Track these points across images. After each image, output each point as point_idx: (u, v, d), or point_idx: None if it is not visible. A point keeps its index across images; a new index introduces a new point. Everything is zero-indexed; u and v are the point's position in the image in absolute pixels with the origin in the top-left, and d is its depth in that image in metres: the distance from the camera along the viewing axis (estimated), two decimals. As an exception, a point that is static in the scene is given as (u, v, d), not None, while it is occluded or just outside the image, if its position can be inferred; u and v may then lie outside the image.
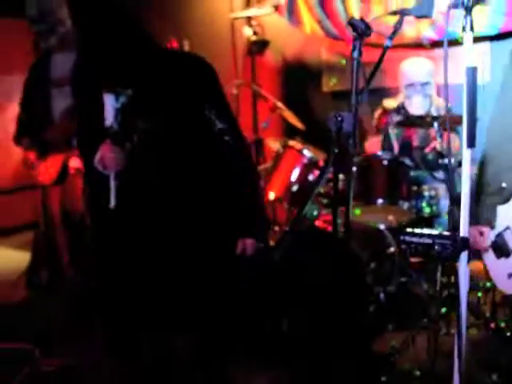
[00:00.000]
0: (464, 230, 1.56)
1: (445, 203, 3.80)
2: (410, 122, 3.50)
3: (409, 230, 1.55)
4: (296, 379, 2.97)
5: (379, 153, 3.44)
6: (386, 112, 4.07)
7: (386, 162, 3.37)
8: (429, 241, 1.56)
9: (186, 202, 2.29)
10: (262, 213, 2.43)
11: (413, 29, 4.60)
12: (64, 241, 3.91)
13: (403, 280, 3.54)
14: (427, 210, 3.57)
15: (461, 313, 1.60)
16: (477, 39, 4.53)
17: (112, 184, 2.19)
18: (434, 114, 3.67)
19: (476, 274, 3.95)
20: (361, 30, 1.60)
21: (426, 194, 3.64)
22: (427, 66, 3.97)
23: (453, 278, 3.88)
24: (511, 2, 4.25)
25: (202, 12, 5.77)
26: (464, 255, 1.57)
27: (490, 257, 2.43)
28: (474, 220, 2.35)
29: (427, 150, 3.62)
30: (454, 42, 4.56)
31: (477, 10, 4.35)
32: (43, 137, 3.50)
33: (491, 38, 4.52)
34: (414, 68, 3.94)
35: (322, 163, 3.63)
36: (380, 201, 3.34)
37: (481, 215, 2.36)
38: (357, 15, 4.86)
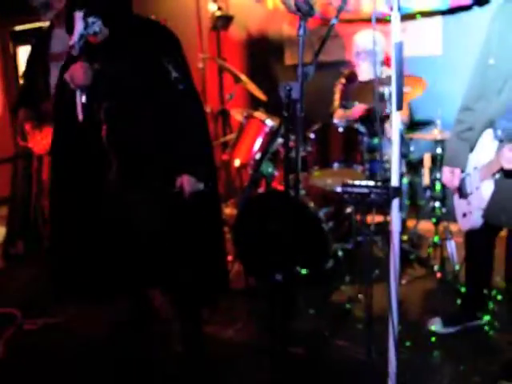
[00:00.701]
0: (394, 180, 1.84)
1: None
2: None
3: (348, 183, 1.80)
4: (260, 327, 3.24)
5: (335, 120, 3.69)
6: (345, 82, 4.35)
7: (341, 129, 3.62)
8: (365, 190, 1.82)
9: (135, 136, 2.58)
10: (204, 155, 2.64)
11: (370, 5, 4.85)
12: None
13: (360, 239, 3.83)
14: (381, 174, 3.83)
15: (393, 259, 1.88)
16: (430, 14, 4.82)
17: (78, 99, 2.44)
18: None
19: (426, 232, 4.33)
20: (305, 10, 1.84)
21: (379, 158, 3.90)
22: (372, 36, 4.18)
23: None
24: (460, -21, 4.52)
25: (169, -12, 5.91)
26: (395, 202, 1.85)
27: (456, 196, 2.78)
28: (450, 163, 2.73)
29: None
30: (408, 17, 4.88)
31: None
32: (40, 108, 3.64)
33: (443, 13, 4.79)
34: (360, 38, 4.19)
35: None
36: (336, 164, 3.59)
37: (454, 159, 2.71)
38: (318, -9, 5.08)
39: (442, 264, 3.80)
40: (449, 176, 2.73)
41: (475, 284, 2.93)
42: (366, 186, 1.85)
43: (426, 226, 4.30)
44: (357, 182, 1.84)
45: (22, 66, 6.85)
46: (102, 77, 2.49)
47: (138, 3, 5.76)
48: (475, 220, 2.61)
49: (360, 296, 3.46)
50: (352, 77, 4.33)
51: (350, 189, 1.87)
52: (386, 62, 4.32)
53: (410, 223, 4.42)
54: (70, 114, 2.49)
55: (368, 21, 4.89)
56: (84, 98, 2.43)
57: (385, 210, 1.89)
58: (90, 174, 2.69)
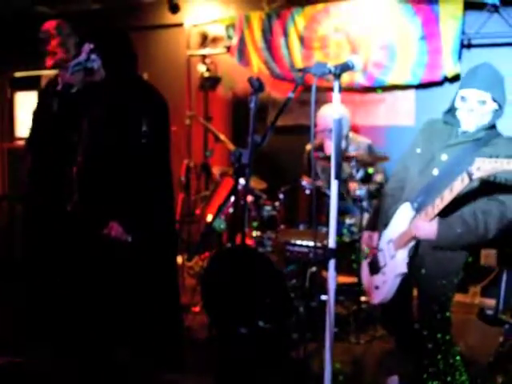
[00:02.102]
0: (331, 242, 2.01)
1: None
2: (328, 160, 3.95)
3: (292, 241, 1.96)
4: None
5: (303, 182, 3.89)
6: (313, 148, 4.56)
7: (308, 192, 3.82)
8: (305, 250, 1.99)
9: (99, 175, 2.83)
10: (138, 210, 2.79)
11: (347, 75, 5.14)
12: None
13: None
14: (346, 237, 4.00)
15: (329, 313, 2.03)
16: (403, 87, 5.12)
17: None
18: (352, 152, 4.13)
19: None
20: (256, 86, 2.06)
21: (347, 221, 4.08)
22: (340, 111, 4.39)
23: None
24: (432, 56, 4.83)
25: (162, 48, 6.24)
26: (332, 262, 2.02)
27: (365, 274, 2.96)
28: (370, 227, 2.96)
29: (350, 185, 4.08)
30: (386, 88, 5.18)
31: (401, 62, 4.96)
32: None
33: (416, 87, 5.08)
34: (322, 116, 4.30)
35: (256, 190, 4.09)
36: (301, 226, 3.77)
37: (375, 225, 2.94)
38: (300, 59, 5.40)
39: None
40: (367, 239, 2.96)
41: (409, 348, 3.05)
42: (307, 246, 2.02)
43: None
44: (299, 242, 2.01)
45: (19, 111, 7.09)
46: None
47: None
48: (389, 288, 2.74)
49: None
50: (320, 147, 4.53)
51: (291, 247, 2.04)
52: (354, 129, 4.57)
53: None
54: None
55: (344, 90, 5.19)
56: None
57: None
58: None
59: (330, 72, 2.06)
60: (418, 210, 2.62)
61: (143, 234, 2.77)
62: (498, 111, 2.61)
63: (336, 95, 2.05)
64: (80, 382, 3.14)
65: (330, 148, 4.33)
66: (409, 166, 2.86)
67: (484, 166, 2.18)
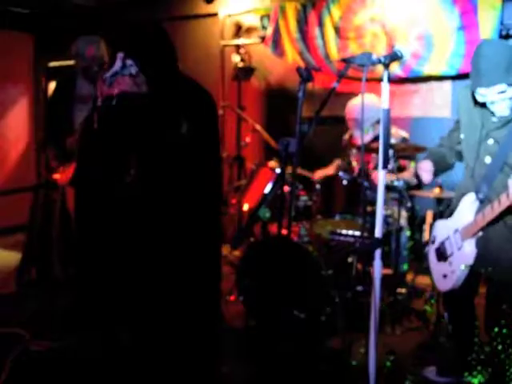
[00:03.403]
0: (378, 232, 2.02)
1: (402, 222, 4.25)
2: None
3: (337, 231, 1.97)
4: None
5: (340, 173, 3.89)
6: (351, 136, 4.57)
7: (345, 182, 3.82)
8: (351, 239, 2.00)
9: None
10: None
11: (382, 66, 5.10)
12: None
13: (359, 288, 3.97)
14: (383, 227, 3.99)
15: (374, 304, 2.04)
16: (440, 78, 5.06)
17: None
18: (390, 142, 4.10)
19: (426, 286, 4.45)
20: (305, 76, 2.07)
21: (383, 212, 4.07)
22: (361, 104, 4.35)
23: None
24: (469, 46, 4.77)
25: (196, 38, 6.27)
26: (378, 251, 2.02)
27: (433, 260, 2.94)
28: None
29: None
30: (421, 79, 5.14)
31: (437, 52, 4.92)
32: (66, 145, 3.93)
33: (452, 78, 5.03)
34: (350, 106, 4.36)
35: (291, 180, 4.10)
36: (338, 216, 3.76)
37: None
38: (335, 50, 5.37)
39: (437, 318, 3.90)
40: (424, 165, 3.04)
41: (463, 342, 3.03)
42: (353, 236, 2.03)
43: (425, 280, 4.43)
44: (344, 232, 2.02)
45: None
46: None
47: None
48: (458, 278, 2.75)
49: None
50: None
51: (337, 237, 2.05)
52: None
53: (410, 276, 4.54)
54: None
55: (379, 80, 5.14)
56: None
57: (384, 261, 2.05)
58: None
59: (379, 62, 2.06)
60: (482, 201, 2.64)
61: (190, 225, 2.79)
62: None
63: (386, 85, 2.04)
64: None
65: (359, 138, 4.37)
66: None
67: None
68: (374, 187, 3.86)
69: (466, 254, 2.68)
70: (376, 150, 3.84)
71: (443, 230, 2.93)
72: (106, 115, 2.68)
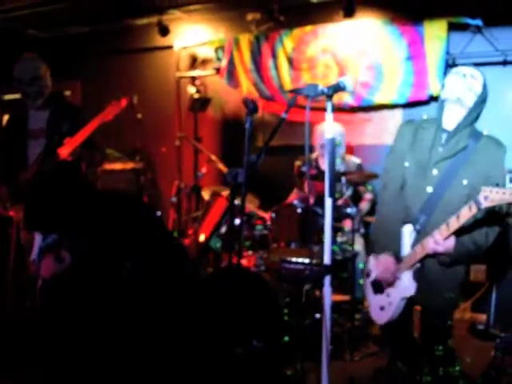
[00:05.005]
0: (326, 258, 2.05)
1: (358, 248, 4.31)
2: (321, 176, 4.00)
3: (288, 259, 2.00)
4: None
5: (294, 202, 3.94)
6: (301, 165, 4.63)
7: (299, 210, 3.86)
8: (301, 267, 2.03)
9: None
10: None
11: (336, 96, 5.21)
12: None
13: (316, 316, 3.98)
14: (338, 255, 4.02)
15: (325, 329, 2.06)
16: (391, 106, 5.21)
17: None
18: (342, 170, 4.18)
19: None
20: (251, 107, 2.12)
21: (339, 239, 4.11)
22: (336, 129, 4.42)
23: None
24: (418, 75, 4.93)
25: (152, 70, 6.31)
26: (327, 278, 2.05)
27: (369, 293, 2.96)
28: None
29: (339, 202, 4.13)
30: (371, 108, 5.27)
31: (387, 82, 5.04)
32: (19, 181, 3.84)
33: (403, 106, 5.17)
34: (322, 132, 4.37)
35: (248, 209, 4.12)
36: (293, 244, 3.78)
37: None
38: (289, 80, 5.48)
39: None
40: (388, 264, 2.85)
41: (410, 367, 3.06)
42: (302, 263, 2.06)
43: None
44: (294, 259, 2.05)
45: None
46: None
47: (122, 81, 6.21)
48: (395, 310, 2.76)
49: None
50: (315, 163, 4.59)
51: (287, 265, 2.07)
52: (347, 148, 4.64)
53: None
54: None
55: (334, 110, 5.25)
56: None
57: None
58: None
59: (322, 93, 2.12)
60: (419, 232, 2.64)
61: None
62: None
63: (329, 115, 2.10)
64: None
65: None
66: (400, 177, 2.80)
67: (492, 196, 2.20)
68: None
69: (404, 285, 2.70)
70: (337, 177, 3.92)
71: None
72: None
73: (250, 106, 2.12)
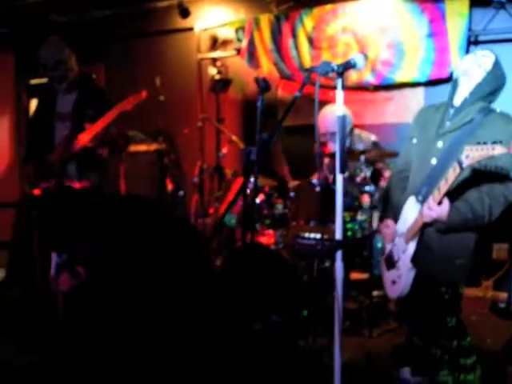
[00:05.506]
0: (338, 234, 2.09)
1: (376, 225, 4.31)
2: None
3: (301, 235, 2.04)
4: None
5: (313, 180, 3.97)
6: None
7: (318, 189, 3.89)
8: (312, 242, 2.07)
9: None
10: None
11: (356, 74, 5.21)
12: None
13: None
14: (358, 232, 4.05)
15: (337, 304, 2.11)
16: (413, 85, 5.17)
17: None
18: (360, 148, 4.16)
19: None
20: (263, 86, 2.15)
21: (359, 217, 4.13)
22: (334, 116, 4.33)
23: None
24: (439, 53, 4.89)
25: (173, 52, 6.36)
26: (339, 253, 2.10)
27: (383, 270, 3.00)
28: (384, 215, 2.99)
29: (358, 179, 4.14)
30: (393, 86, 5.24)
31: (408, 59, 5.01)
32: (46, 160, 3.96)
33: (425, 84, 5.13)
34: (323, 120, 4.27)
35: (267, 189, 4.17)
36: (312, 222, 3.82)
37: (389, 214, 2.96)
38: (309, 60, 5.48)
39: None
40: (384, 226, 2.97)
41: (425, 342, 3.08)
42: (314, 239, 2.10)
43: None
44: (307, 235, 2.09)
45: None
46: None
47: (144, 64, 6.27)
48: (405, 283, 2.78)
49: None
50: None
51: (300, 240, 2.12)
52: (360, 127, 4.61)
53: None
54: None
55: (353, 89, 5.26)
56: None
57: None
58: None
59: (332, 70, 2.14)
60: (422, 202, 2.65)
61: None
62: None
63: (339, 93, 2.12)
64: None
65: (333, 149, 4.41)
66: (409, 158, 2.89)
67: (472, 154, 2.24)
68: (348, 193, 3.94)
69: (410, 255, 2.72)
70: (355, 156, 3.92)
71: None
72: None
73: (262, 84, 2.16)
